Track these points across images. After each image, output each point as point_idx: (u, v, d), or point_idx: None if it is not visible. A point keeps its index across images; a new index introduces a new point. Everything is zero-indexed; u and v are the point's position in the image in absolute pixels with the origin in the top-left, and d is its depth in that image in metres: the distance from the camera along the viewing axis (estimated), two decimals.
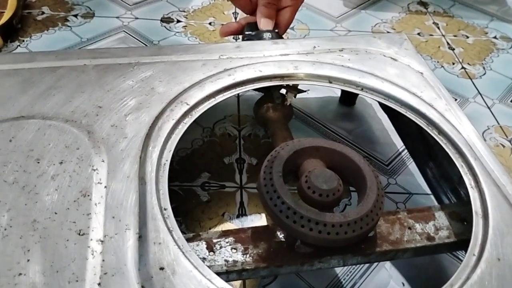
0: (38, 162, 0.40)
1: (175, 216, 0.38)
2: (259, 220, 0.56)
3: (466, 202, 0.44)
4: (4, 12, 0.83)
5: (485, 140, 0.67)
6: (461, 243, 0.43)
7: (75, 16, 0.89)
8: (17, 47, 0.79)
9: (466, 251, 0.39)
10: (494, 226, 0.39)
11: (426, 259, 0.53)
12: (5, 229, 0.35)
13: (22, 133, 0.43)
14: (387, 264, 0.52)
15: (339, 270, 0.52)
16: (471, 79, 0.84)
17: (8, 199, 0.37)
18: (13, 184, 0.38)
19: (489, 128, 0.74)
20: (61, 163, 0.40)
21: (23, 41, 0.81)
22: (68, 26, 0.86)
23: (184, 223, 0.54)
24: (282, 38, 0.65)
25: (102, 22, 0.88)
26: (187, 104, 0.48)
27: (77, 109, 0.46)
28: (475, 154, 0.46)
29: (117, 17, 0.90)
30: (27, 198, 0.37)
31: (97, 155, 0.41)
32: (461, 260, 0.39)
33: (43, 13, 0.89)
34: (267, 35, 0.61)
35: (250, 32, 0.63)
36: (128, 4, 0.94)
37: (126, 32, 0.86)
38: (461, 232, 0.44)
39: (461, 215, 0.45)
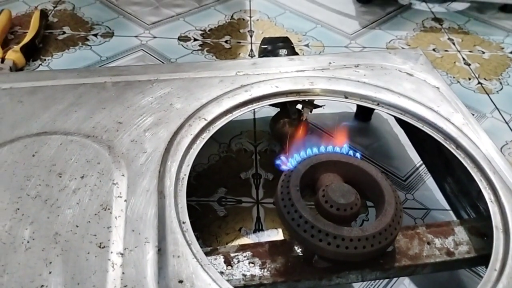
0: (60, 177, 0.41)
1: (192, 230, 0.39)
2: (276, 235, 0.56)
3: (485, 216, 0.43)
4: (27, 32, 0.86)
5: (503, 155, 0.66)
6: (481, 258, 0.42)
7: (95, 35, 0.91)
8: (39, 66, 0.82)
9: (486, 267, 0.38)
10: None
11: (446, 275, 0.52)
12: (28, 242, 0.36)
13: (45, 148, 0.44)
14: (406, 280, 0.52)
15: (357, 286, 0.51)
16: (488, 94, 0.84)
17: (31, 213, 0.38)
18: (36, 198, 0.39)
19: (507, 143, 0.73)
20: (82, 177, 0.41)
21: (45, 60, 0.83)
22: (88, 45, 0.88)
23: (201, 238, 0.54)
24: (298, 54, 0.65)
25: (121, 41, 0.90)
26: (205, 120, 0.48)
27: (98, 124, 0.47)
28: (494, 168, 0.45)
29: (136, 36, 0.92)
30: (49, 212, 0.38)
31: (117, 169, 0.42)
32: (481, 276, 0.38)
33: (64, 32, 0.91)
34: (283, 51, 0.62)
35: (266, 46, 0.64)
36: (146, 24, 0.96)
37: (145, 51, 0.88)
38: (481, 247, 0.43)
39: (480, 230, 0.44)
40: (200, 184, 0.62)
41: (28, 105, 0.49)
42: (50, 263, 0.34)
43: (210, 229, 0.56)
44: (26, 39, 0.83)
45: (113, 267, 0.34)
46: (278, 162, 0.44)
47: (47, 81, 0.53)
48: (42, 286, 0.33)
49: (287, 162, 0.44)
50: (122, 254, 0.35)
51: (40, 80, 0.53)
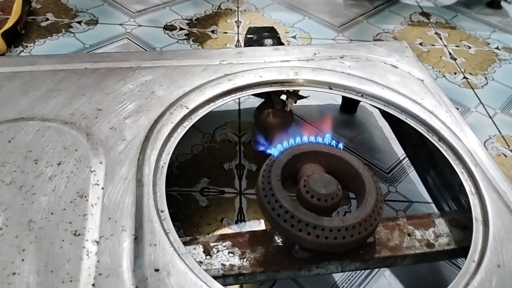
0: (36, 163, 0.40)
1: (173, 221, 0.38)
2: (258, 226, 0.55)
3: (466, 209, 0.43)
4: (8, 18, 0.84)
5: (487, 149, 0.67)
6: (461, 250, 0.42)
7: (79, 22, 0.90)
8: (20, 52, 0.80)
9: (466, 258, 0.38)
10: (495, 232, 0.39)
11: (426, 267, 0.52)
12: (0, 229, 0.35)
13: (21, 134, 0.43)
14: (387, 272, 0.52)
15: (337, 277, 0.51)
16: (473, 89, 0.84)
17: (5, 199, 0.37)
18: (11, 184, 0.38)
19: (490, 138, 0.73)
20: (59, 164, 0.40)
21: (27, 46, 0.82)
22: (72, 32, 0.87)
23: (183, 228, 0.54)
24: (283, 44, 0.65)
25: (105, 29, 0.89)
26: (187, 108, 0.48)
27: (76, 111, 0.46)
28: (475, 160, 0.45)
29: (121, 24, 0.91)
30: (24, 198, 0.37)
31: (95, 156, 0.41)
32: (461, 268, 0.38)
33: (47, 19, 0.90)
34: (268, 41, 0.62)
35: (252, 36, 0.64)
36: (132, 12, 0.95)
37: (129, 39, 0.87)
38: (462, 239, 0.43)
39: (461, 222, 0.45)
40: (182, 174, 0.61)
41: (5, 90, 0.48)
42: (23, 250, 0.34)
43: (191, 220, 0.55)
44: (7, 25, 0.81)
45: (88, 255, 0.34)
46: (259, 147, 0.44)
47: (26, 67, 0.52)
48: (14, 273, 0.32)
49: (268, 147, 0.43)
50: (97, 242, 0.34)
51: (19, 65, 0.52)
